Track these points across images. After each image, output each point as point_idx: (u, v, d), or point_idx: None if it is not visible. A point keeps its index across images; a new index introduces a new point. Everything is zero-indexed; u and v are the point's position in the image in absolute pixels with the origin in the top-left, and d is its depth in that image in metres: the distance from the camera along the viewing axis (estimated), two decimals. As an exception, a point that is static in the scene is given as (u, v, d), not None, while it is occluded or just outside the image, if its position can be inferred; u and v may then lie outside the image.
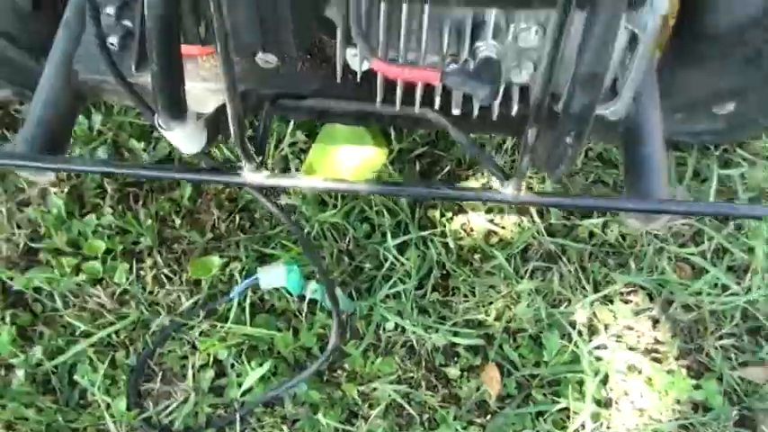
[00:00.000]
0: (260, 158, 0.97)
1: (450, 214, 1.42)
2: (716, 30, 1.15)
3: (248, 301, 1.33)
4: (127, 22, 1.04)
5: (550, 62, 0.68)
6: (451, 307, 1.34)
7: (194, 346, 1.31)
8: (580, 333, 1.31)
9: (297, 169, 1.44)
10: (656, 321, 1.35)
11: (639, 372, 1.30)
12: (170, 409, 1.28)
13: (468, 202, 1.43)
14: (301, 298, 1.34)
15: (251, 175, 0.91)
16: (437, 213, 1.41)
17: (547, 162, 0.87)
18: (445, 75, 0.80)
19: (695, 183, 1.48)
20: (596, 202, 1.06)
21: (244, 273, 1.36)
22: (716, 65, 1.22)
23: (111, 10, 1.01)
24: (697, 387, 1.28)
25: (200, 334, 1.32)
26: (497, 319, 1.33)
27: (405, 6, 0.83)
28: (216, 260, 1.37)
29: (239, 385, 1.28)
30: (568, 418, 1.26)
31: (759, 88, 1.25)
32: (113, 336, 1.32)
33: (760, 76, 1.21)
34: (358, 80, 0.97)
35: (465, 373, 1.29)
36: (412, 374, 1.29)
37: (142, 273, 1.37)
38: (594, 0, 0.69)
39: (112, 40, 1.03)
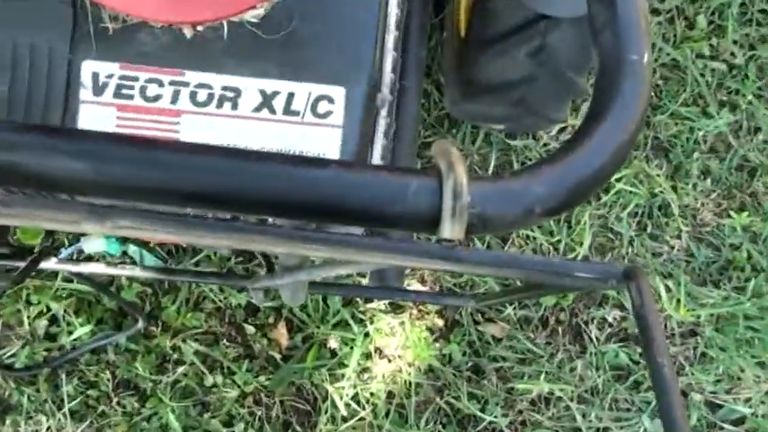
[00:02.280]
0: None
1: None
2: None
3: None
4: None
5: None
6: (254, 271, 1.58)
7: (29, 301, 1.54)
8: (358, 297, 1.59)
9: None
10: (423, 282, 1.63)
11: (403, 328, 1.61)
12: (11, 352, 1.54)
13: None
14: (123, 256, 1.55)
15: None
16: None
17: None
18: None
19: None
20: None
21: (70, 237, 1.54)
22: (489, 99, 1.40)
23: None
24: (447, 341, 1.61)
25: (35, 289, 1.54)
26: (291, 281, 1.58)
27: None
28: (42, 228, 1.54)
29: (70, 333, 1.54)
30: (341, 366, 1.58)
31: (521, 119, 1.43)
32: (-43, 291, 1.53)
33: (523, 112, 1.39)
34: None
35: (259, 330, 1.57)
36: (216, 329, 1.57)
37: (-23, 234, 1.54)
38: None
39: None
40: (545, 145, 1.66)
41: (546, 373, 1.60)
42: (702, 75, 1.70)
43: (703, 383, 1.63)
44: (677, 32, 1.70)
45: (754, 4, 1.69)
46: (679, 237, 1.67)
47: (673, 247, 1.67)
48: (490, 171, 1.65)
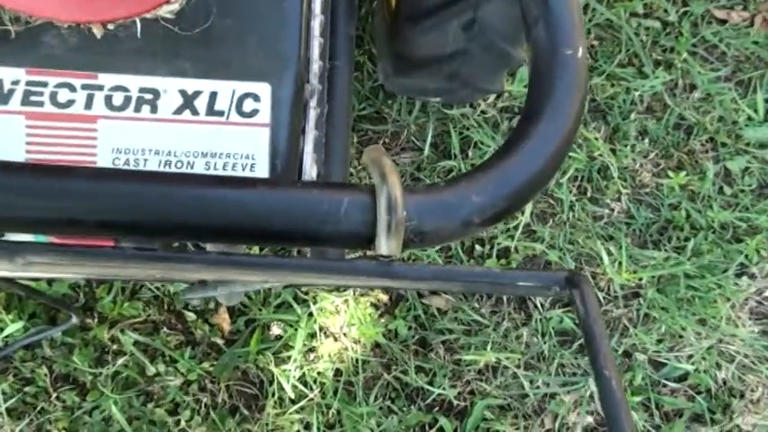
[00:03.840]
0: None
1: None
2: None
3: (2, 254, 1.47)
4: None
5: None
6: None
7: (-45, 299, 1.47)
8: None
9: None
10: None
11: (347, 306, 1.59)
12: (-60, 353, 1.48)
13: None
14: (53, 248, 1.48)
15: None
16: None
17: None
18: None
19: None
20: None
21: (-6, 230, 1.47)
22: (424, 73, 1.36)
23: None
24: (392, 316, 1.60)
25: (-40, 286, 1.47)
26: (231, 264, 1.54)
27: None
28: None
29: (1, 330, 1.48)
30: (286, 348, 1.56)
31: (457, 92, 1.40)
32: None
33: (458, 85, 1.36)
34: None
35: (200, 317, 1.53)
36: (155, 318, 1.53)
37: None
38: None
39: None
40: (483, 113, 1.64)
41: (492, 342, 1.60)
42: (637, 34, 1.68)
43: (646, 343, 1.65)
44: (611, -8, 1.68)
45: (687, -38, 1.68)
46: (619, 199, 1.68)
47: (613, 210, 1.68)
48: (428, 142, 1.62)
